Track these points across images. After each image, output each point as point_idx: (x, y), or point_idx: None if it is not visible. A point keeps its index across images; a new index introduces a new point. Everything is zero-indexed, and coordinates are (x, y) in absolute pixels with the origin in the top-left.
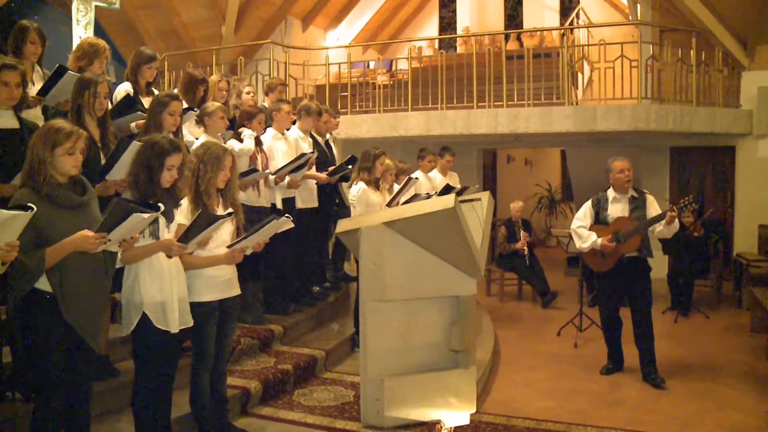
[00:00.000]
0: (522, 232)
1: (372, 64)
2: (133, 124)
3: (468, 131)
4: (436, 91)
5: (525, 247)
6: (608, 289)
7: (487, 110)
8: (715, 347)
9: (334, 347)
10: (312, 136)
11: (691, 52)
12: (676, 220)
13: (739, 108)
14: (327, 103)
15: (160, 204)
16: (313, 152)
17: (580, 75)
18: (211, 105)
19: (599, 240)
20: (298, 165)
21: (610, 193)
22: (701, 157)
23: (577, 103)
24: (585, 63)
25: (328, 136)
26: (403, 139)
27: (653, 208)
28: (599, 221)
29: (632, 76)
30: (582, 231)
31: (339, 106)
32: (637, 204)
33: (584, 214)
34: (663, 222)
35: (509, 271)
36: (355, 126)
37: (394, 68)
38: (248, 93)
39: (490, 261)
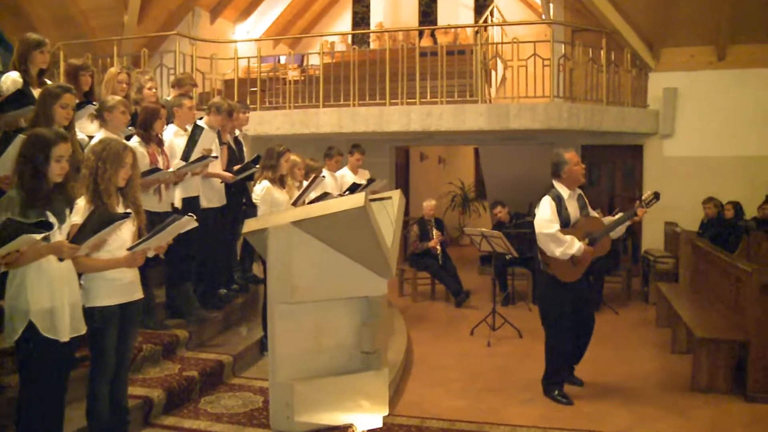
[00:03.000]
0: (435, 231)
1: (283, 59)
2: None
3: (380, 129)
4: (348, 88)
5: (438, 246)
6: (569, 303)
7: (400, 107)
8: (624, 342)
9: (243, 352)
10: (219, 133)
11: (602, 52)
12: None
13: (646, 108)
14: (236, 99)
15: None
16: (216, 156)
17: (493, 73)
18: (112, 99)
19: (583, 246)
20: (201, 163)
21: (562, 190)
22: (611, 155)
23: (490, 101)
24: (498, 61)
25: (237, 132)
26: (314, 137)
27: (589, 207)
28: (560, 222)
29: (545, 74)
30: (562, 235)
31: (248, 102)
32: (582, 203)
33: (552, 213)
34: (632, 219)
35: (422, 270)
36: (265, 122)
37: (305, 63)
38: (150, 88)
39: (402, 260)
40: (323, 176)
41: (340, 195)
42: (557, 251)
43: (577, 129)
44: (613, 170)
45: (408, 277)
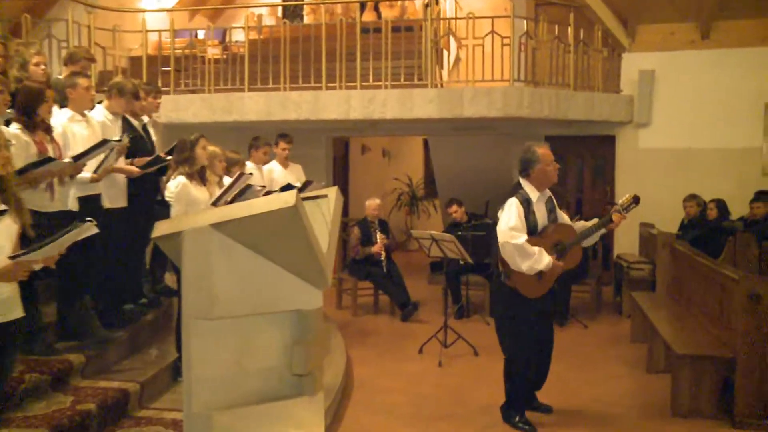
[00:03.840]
0: (378, 234)
1: (201, 34)
2: None
3: (315, 116)
4: (278, 69)
5: (382, 252)
6: (531, 319)
7: (338, 92)
8: (593, 360)
9: (152, 378)
10: (125, 120)
11: (569, 29)
12: None
13: (619, 93)
14: (144, 79)
15: None
16: (120, 139)
17: (445, 53)
18: None
19: (551, 260)
20: (103, 155)
21: (531, 191)
22: (579, 147)
23: (441, 85)
24: (451, 39)
25: (145, 119)
26: (238, 125)
27: (559, 211)
28: (527, 229)
29: (504, 55)
30: (529, 247)
31: (160, 84)
32: (550, 206)
33: (519, 219)
34: (608, 226)
35: (363, 279)
36: (180, 108)
37: (228, 40)
38: (37, 64)
39: (340, 268)
40: (250, 173)
41: (267, 190)
42: (523, 265)
43: (541, 117)
44: (581, 165)
45: (347, 288)
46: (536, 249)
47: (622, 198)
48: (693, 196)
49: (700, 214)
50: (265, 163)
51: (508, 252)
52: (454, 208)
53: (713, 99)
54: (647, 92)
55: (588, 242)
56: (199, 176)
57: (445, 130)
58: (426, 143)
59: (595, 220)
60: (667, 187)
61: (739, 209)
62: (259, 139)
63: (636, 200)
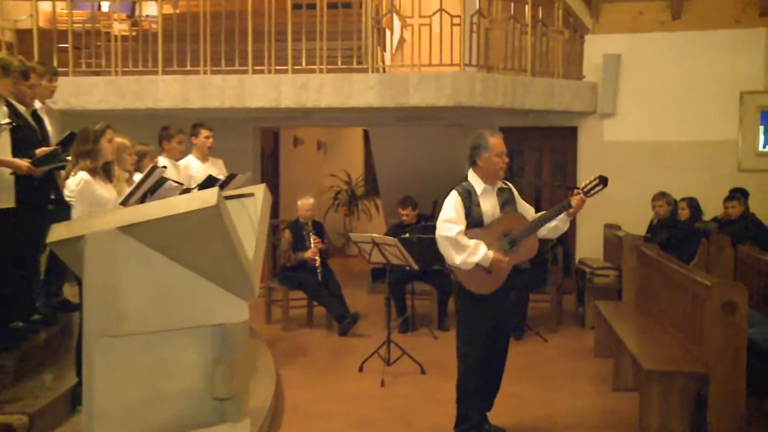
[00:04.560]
0: (312, 238)
1: (105, 6)
2: None
3: (241, 104)
4: (197, 49)
5: (316, 257)
6: (485, 322)
7: (267, 76)
8: (554, 377)
9: (46, 407)
10: (9, 105)
11: (526, 8)
12: None
13: (581, 80)
14: (36, 58)
15: None
16: (10, 123)
17: (388, 33)
18: None
19: (491, 253)
20: None
21: (476, 182)
22: (537, 140)
23: (384, 70)
24: (395, 18)
25: (37, 105)
26: (151, 113)
27: (522, 204)
28: (470, 221)
29: (453, 36)
30: (464, 239)
31: (56, 63)
32: (506, 198)
33: (456, 212)
34: (568, 211)
35: (296, 288)
36: (81, 92)
37: (138, 14)
38: None
39: (269, 277)
40: (164, 166)
41: (184, 189)
42: (457, 259)
43: (495, 106)
44: (539, 159)
45: (277, 299)
46: (472, 242)
47: (587, 180)
48: (662, 195)
49: (670, 214)
50: (180, 155)
51: (442, 245)
52: (408, 210)
53: (685, 87)
54: (612, 79)
55: (549, 233)
56: (104, 172)
57: (387, 121)
58: (366, 135)
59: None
60: (635, 185)
61: (712, 209)
62: (169, 128)
63: (603, 181)
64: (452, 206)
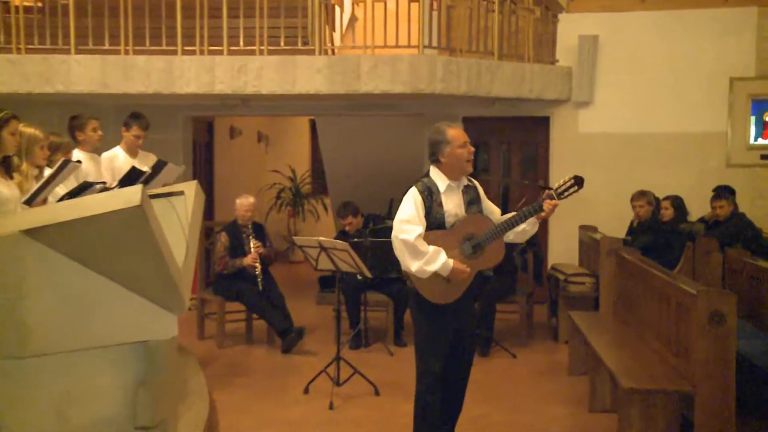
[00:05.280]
0: (252, 242)
1: None
2: None
3: (169, 89)
4: (117, 25)
5: (257, 264)
6: (445, 335)
7: (199, 58)
8: (524, 397)
9: None
10: None
11: None
12: None
13: (554, 64)
14: None
15: None
16: None
17: (338, 10)
18: None
19: (451, 262)
20: None
21: (439, 179)
22: (505, 131)
23: (333, 52)
24: None
25: None
26: (62, 98)
27: (487, 204)
28: (430, 222)
29: (411, 14)
30: (422, 245)
31: None
32: (472, 197)
33: (416, 212)
34: (539, 215)
35: (233, 300)
36: None
37: None
38: None
39: (203, 286)
40: (78, 161)
41: (105, 187)
42: (412, 266)
43: (458, 94)
44: (507, 153)
45: (211, 311)
46: (431, 248)
47: (560, 181)
48: (643, 193)
49: (652, 214)
50: (95, 147)
51: (397, 248)
52: (349, 218)
53: (669, 72)
54: (589, 63)
55: (516, 237)
56: (4, 167)
57: (337, 109)
58: (313, 126)
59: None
60: (613, 182)
61: (699, 208)
62: (79, 117)
63: (578, 182)
64: (411, 205)
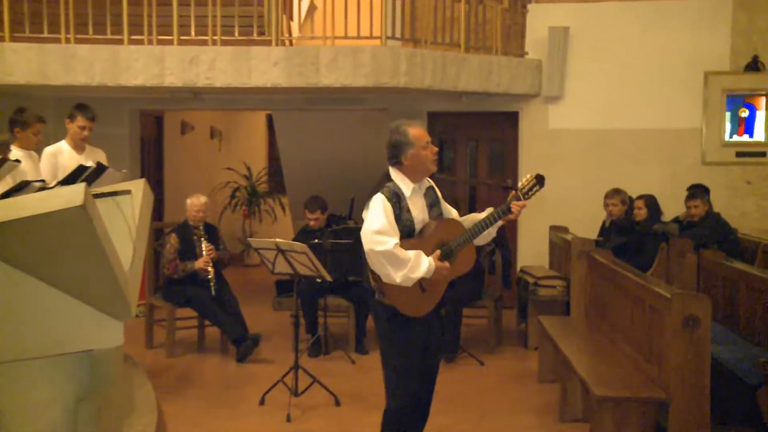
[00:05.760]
0: (204, 244)
1: None
2: None
3: (114, 81)
4: (57, 12)
5: (209, 268)
6: (418, 347)
7: (148, 48)
8: (492, 406)
9: None
10: None
11: None
12: None
13: (524, 57)
14: None
15: None
16: None
17: None
18: None
19: (431, 260)
20: None
21: (403, 183)
22: (472, 128)
23: (291, 43)
24: None
25: None
26: None
27: (445, 204)
28: (400, 229)
29: (374, 4)
30: (402, 252)
31: None
32: (432, 199)
33: (387, 221)
34: (507, 217)
35: (184, 305)
36: None
37: None
38: None
39: (151, 291)
40: (17, 160)
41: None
42: (397, 276)
43: (422, 87)
44: (474, 150)
45: (161, 318)
46: (412, 253)
47: (522, 180)
48: (616, 192)
49: (625, 214)
50: (35, 145)
51: (375, 262)
52: (317, 213)
53: (642, 66)
54: (559, 56)
55: (480, 239)
56: None
57: (295, 104)
58: (270, 121)
59: (491, 210)
60: (584, 180)
61: (673, 208)
62: (25, 112)
63: (539, 181)
64: (380, 214)
